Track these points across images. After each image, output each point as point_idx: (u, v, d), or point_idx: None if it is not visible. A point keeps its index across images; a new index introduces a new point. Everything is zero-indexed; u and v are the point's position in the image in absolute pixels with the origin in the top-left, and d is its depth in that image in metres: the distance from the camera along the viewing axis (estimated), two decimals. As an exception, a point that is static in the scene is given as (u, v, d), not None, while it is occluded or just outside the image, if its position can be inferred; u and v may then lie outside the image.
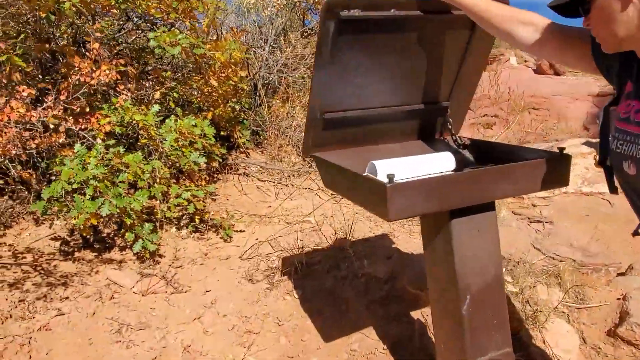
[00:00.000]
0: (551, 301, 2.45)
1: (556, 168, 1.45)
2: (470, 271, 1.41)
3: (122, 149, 2.48)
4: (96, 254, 2.54)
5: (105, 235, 2.73)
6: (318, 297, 2.40)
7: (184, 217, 3.01)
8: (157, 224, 2.86)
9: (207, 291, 2.43)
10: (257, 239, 2.94)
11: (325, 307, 2.34)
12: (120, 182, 2.37)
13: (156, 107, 2.59)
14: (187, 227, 2.94)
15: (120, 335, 2.04)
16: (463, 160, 1.84)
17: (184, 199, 2.73)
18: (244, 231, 3.06)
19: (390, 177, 1.21)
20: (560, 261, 2.64)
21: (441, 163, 1.71)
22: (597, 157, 1.11)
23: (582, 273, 2.59)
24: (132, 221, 2.40)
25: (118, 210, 2.31)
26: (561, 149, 1.46)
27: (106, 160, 2.37)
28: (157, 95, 3.00)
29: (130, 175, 2.37)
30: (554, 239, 2.80)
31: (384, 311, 2.24)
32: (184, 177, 2.98)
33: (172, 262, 2.62)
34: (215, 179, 3.57)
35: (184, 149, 2.64)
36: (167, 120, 2.57)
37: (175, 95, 2.97)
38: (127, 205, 2.34)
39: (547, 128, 6.42)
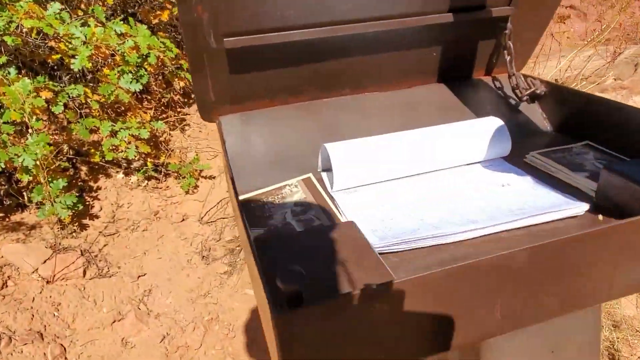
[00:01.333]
0: (641, 320, 1.62)
1: None
2: None
3: (13, 71, 1.70)
4: (3, 214, 1.91)
5: (25, 184, 2.08)
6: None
7: (137, 158, 2.28)
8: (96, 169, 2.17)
9: (140, 276, 1.78)
10: (228, 191, 2.20)
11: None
12: (4, 123, 1.63)
13: (57, 6, 1.72)
14: (138, 172, 2.23)
15: (-4, 352, 1.45)
16: (528, 131, 0.93)
17: (122, 139, 1.98)
18: (214, 177, 2.32)
19: (288, 287, 0.39)
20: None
21: (478, 146, 0.81)
22: None
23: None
24: (30, 177, 1.70)
25: (2, 166, 1.61)
26: None
27: (-18, 90, 1.61)
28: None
29: (16, 114, 1.61)
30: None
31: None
32: (130, 109, 2.19)
33: (106, 227, 1.96)
34: (189, 102, 2.76)
35: (106, 71, 1.82)
36: (72, 29, 1.72)
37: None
38: (14, 159, 1.62)
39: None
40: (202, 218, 2.06)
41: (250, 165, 0.81)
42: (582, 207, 0.66)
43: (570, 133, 0.91)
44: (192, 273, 1.80)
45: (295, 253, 0.53)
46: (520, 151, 0.85)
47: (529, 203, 0.68)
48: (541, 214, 0.65)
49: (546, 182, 0.75)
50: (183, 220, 2.05)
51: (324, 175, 0.79)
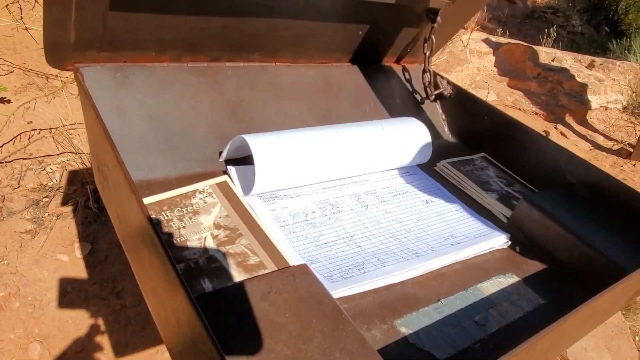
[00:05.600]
0: None
1: None
2: None
3: None
4: None
5: None
6: (121, 260, 1.45)
7: None
8: None
9: None
10: (30, 122, 1.73)
11: (129, 280, 1.42)
12: None
13: None
14: None
15: None
16: (430, 133, 0.91)
17: None
18: (9, 102, 1.78)
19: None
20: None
21: (405, 152, 0.75)
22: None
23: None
24: None
25: None
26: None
27: None
28: None
29: None
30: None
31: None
32: None
33: None
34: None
35: None
36: None
37: None
38: None
39: None
40: (-9, 156, 1.57)
41: (128, 149, 0.58)
42: (502, 239, 0.66)
43: (466, 141, 0.92)
44: (-22, 232, 1.37)
45: (244, 319, 0.39)
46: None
47: (458, 229, 0.66)
48: (472, 246, 0.62)
49: (461, 202, 0.73)
50: (-39, 157, 1.54)
51: (232, 170, 0.62)
